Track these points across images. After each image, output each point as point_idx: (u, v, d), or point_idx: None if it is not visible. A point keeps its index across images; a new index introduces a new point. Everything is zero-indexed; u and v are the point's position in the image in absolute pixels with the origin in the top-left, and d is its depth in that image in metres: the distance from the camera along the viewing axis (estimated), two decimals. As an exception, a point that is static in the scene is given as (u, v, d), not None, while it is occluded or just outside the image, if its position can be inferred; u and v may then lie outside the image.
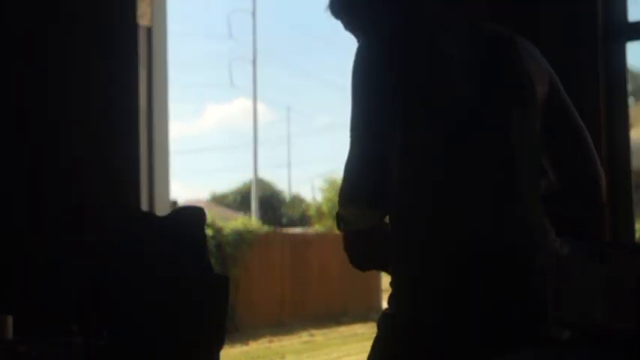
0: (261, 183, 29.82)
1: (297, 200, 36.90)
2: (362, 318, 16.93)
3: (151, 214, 2.80)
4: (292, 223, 30.08)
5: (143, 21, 2.99)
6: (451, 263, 1.71)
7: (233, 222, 17.56)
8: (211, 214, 17.32)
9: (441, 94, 1.78)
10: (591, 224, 2.23)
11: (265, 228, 18.73)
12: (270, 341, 15.29)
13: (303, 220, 30.63)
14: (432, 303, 1.73)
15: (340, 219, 1.90)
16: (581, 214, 2.05)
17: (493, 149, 1.76)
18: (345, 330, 16.38)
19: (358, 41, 1.91)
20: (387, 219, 1.85)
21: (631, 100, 2.39)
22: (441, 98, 1.78)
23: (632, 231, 2.30)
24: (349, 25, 1.97)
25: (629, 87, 2.38)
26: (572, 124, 1.87)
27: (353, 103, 1.80)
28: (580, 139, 1.86)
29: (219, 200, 33.58)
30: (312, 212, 30.09)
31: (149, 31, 3.02)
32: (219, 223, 16.41)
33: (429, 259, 1.74)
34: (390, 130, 1.76)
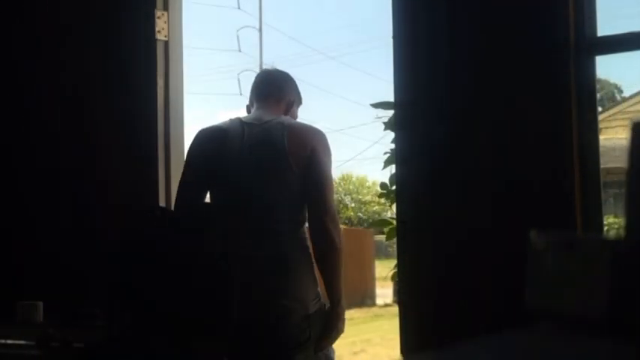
0: (266, 182, 29.58)
1: (299, 197, 36.60)
2: (357, 304, 16.96)
3: (168, 210, 2.81)
4: (295, 218, 29.87)
5: (160, 36, 3.01)
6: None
7: (241, 217, 17.50)
8: (222, 210, 17.25)
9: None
10: (563, 219, 2.26)
11: (270, 222, 18.63)
12: (275, 324, 15.26)
13: (305, 215, 30.36)
14: None
15: None
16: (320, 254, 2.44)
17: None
18: (341, 314, 16.40)
19: None
20: None
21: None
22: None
23: (601, 226, 2.31)
24: None
25: (598, 95, 2.40)
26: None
27: None
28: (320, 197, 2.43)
29: (228, 197, 33.37)
30: (312, 208, 29.75)
31: (166, 45, 3.03)
32: (229, 218, 16.35)
33: None
34: None
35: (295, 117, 2.69)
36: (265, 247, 2.39)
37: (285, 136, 2.43)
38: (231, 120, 2.55)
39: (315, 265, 2.45)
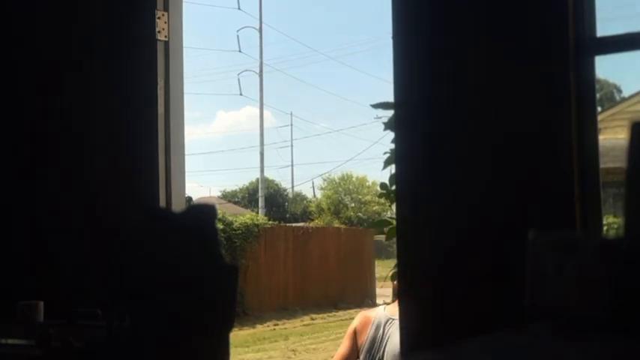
0: (266, 182, 29.82)
1: (299, 197, 36.87)
2: (358, 303, 16.95)
3: (168, 210, 2.82)
4: (294, 218, 30.11)
5: (160, 36, 3.01)
6: None
7: (241, 217, 17.57)
8: (222, 210, 17.32)
9: None
10: (563, 219, 2.26)
11: (271, 222, 18.72)
12: (275, 324, 15.30)
13: (304, 215, 30.65)
14: None
15: None
16: None
17: None
18: (342, 314, 16.41)
19: None
20: None
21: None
22: None
23: (600, 226, 2.31)
24: None
25: (597, 95, 2.40)
26: None
27: None
28: None
29: (228, 197, 33.58)
30: (312, 208, 30.06)
31: (166, 45, 3.03)
32: (229, 218, 16.40)
33: None
34: None
35: None
36: None
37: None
38: (380, 310, 3.71)
39: None
